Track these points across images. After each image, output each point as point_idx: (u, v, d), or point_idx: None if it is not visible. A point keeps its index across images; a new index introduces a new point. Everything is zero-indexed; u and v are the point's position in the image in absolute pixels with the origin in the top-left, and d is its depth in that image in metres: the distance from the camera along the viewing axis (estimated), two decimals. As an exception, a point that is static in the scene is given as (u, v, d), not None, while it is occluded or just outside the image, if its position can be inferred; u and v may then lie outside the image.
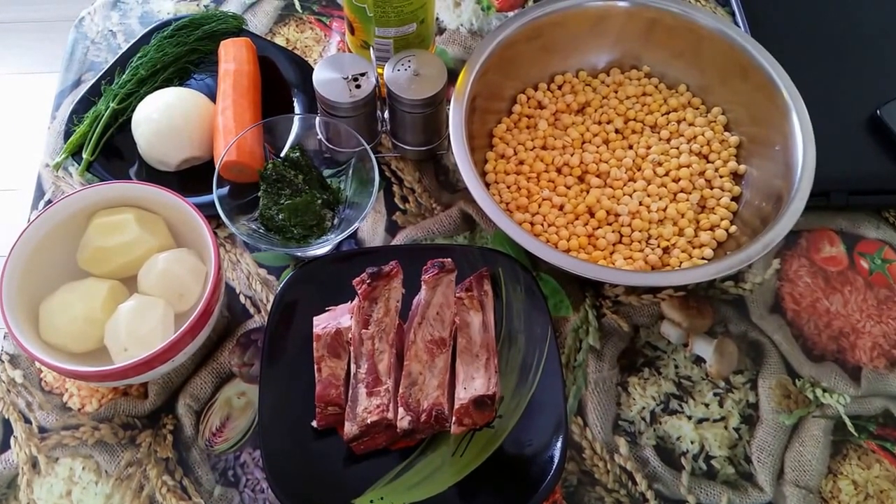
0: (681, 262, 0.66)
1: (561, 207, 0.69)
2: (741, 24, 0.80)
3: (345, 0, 0.70)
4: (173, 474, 0.60)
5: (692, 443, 0.61)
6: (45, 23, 1.77)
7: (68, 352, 0.59)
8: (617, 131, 0.73)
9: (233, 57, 0.73)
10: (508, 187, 0.70)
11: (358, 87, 0.66)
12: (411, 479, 0.57)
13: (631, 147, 0.72)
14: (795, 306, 0.67)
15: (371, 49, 0.71)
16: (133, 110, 0.72)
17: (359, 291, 0.59)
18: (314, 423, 0.58)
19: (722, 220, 0.68)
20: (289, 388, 0.60)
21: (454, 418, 0.57)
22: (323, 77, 0.67)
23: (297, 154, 0.67)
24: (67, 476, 0.60)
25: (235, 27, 0.79)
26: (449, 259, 0.60)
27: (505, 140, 0.72)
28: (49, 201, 0.72)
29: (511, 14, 0.82)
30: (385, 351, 0.58)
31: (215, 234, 0.61)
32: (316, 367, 0.59)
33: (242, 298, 0.67)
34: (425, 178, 0.73)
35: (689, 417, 0.62)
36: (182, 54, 0.76)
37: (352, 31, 0.73)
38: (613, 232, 0.67)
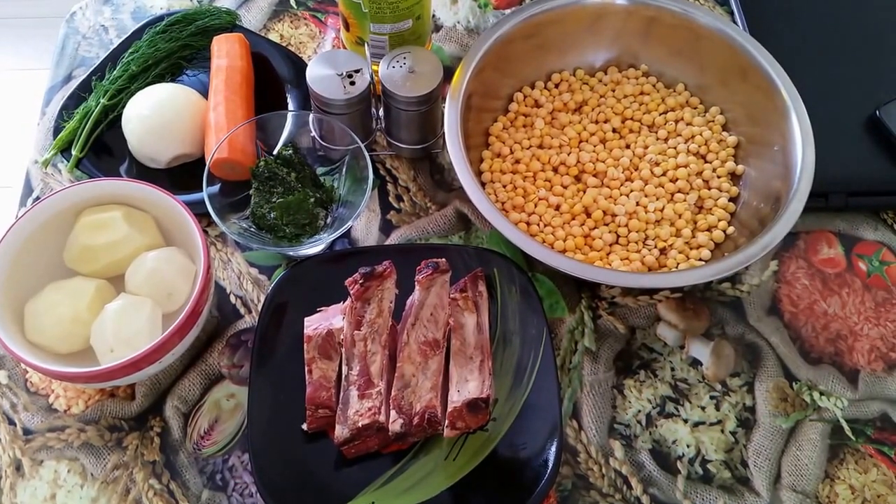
0: (678, 264, 0.65)
1: (557, 207, 0.68)
2: (740, 23, 0.79)
3: (339, -4, 0.70)
4: (160, 478, 0.59)
5: (688, 446, 0.61)
6: (38, 19, 1.76)
7: (54, 352, 0.58)
8: (614, 130, 0.72)
9: (225, 53, 0.72)
10: (504, 186, 0.69)
11: (352, 83, 0.66)
12: (403, 483, 0.56)
13: (628, 146, 0.72)
14: (793, 308, 0.67)
15: (366, 45, 0.70)
16: (124, 106, 0.71)
17: (351, 292, 0.58)
18: (304, 426, 0.57)
19: (720, 220, 0.67)
20: (279, 390, 0.59)
21: (447, 421, 0.56)
22: (317, 73, 0.66)
23: (290, 151, 0.66)
24: (52, 479, 0.59)
25: (229, 23, 0.78)
26: (443, 259, 0.59)
27: (501, 139, 0.71)
28: (37, 198, 0.71)
29: (508, 11, 0.82)
30: (377, 352, 0.57)
31: (206, 232, 0.60)
32: (307, 368, 0.58)
33: (233, 298, 0.66)
34: (420, 176, 0.72)
35: (686, 421, 0.62)
36: (174, 50, 0.75)
37: (347, 28, 0.72)
38: (610, 232, 0.67)
